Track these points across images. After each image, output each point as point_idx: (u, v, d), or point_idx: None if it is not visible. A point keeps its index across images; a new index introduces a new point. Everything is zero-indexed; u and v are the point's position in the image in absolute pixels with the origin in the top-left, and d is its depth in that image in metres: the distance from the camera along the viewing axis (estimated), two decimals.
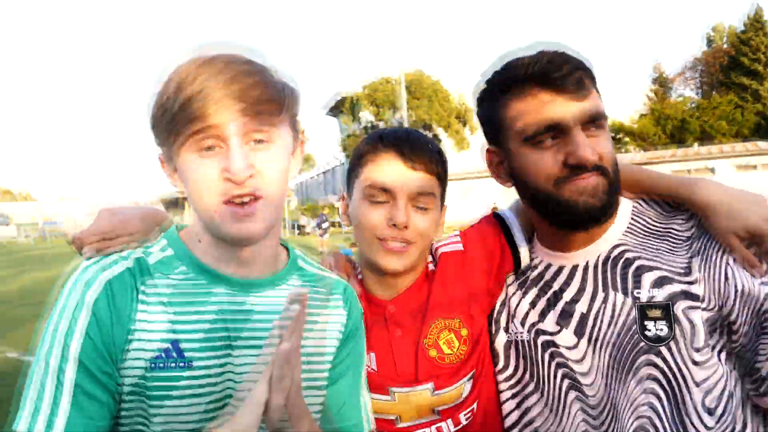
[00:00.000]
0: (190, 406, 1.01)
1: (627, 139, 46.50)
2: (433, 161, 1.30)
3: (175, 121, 0.95)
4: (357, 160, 1.36)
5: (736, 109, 45.44)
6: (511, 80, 1.21)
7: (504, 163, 1.29)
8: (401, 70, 29.01)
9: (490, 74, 1.28)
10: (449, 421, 1.31)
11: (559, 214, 1.22)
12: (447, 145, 35.17)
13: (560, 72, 1.15)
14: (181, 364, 1.00)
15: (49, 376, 0.94)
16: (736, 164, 36.37)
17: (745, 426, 1.18)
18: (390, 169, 1.27)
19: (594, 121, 1.18)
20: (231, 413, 0.92)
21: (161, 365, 0.99)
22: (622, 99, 51.73)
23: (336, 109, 50.69)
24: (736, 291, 1.14)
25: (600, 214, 1.19)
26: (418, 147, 1.29)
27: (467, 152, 34.83)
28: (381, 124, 42.05)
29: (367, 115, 42.70)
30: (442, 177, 1.33)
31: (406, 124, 27.09)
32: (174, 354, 1.00)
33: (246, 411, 0.88)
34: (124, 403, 1.00)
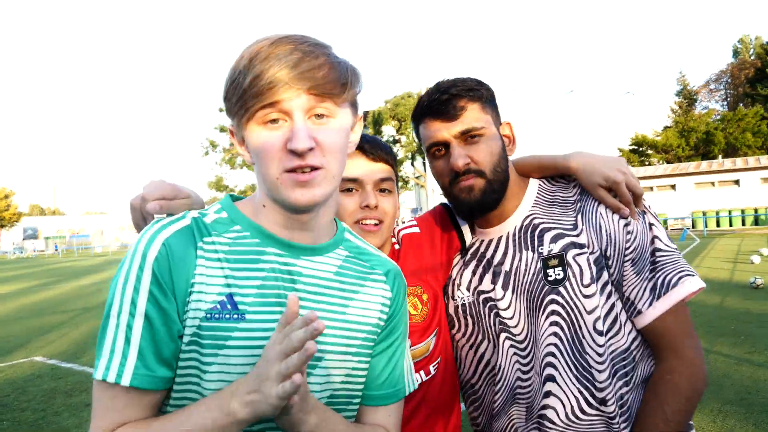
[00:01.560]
0: (242, 357, 1.05)
1: (650, 151, 46.01)
2: (389, 155, 1.60)
3: (245, 95, 1.02)
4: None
5: (762, 121, 44.68)
6: (416, 114, 1.61)
7: (432, 166, 1.65)
8: (422, 85, 29.26)
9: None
10: (421, 372, 1.55)
11: (457, 206, 1.59)
12: None
13: (439, 102, 1.52)
14: (235, 316, 1.06)
15: (120, 331, 1.02)
16: (761, 177, 35.81)
17: (632, 342, 1.50)
18: (357, 164, 1.55)
19: (468, 135, 1.50)
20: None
21: (216, 316, 1.05)
22: (646, 112, 51.24)
23: None
24: (607, 234, 1.48)
25: (481, 206, 1.53)
26: (376, 145, 1.58)
27: None
28: (402, 138, 42.40)
29: (389, 130, 43.06)
30: (395, 168, 1.63)
31: None
32: (228, 306, 1.06)
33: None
34: (182, 353, 1.04)
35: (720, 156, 42.93)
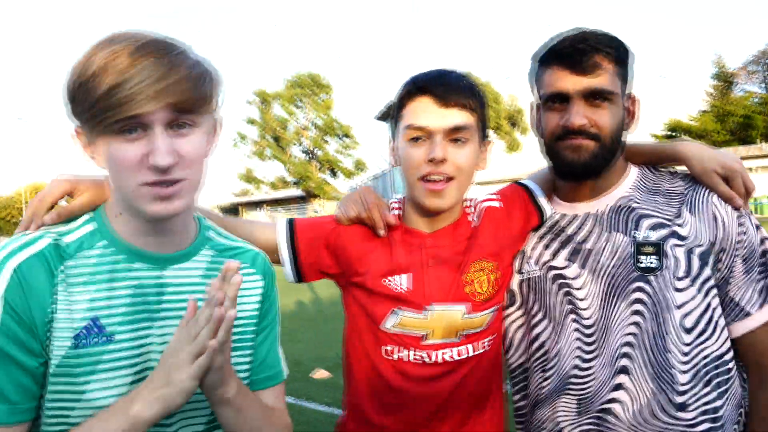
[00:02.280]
0: (118, 378, 1.05)
1: (686, 137, 44.89)
2: (467, 97, 1.41)
3: (99, 104, 0.96)
4: (398, 107, 1.49)
5: None
6: (543, 55, 1.47)
7: (538, 118, 1.56)
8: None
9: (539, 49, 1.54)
10: (470, 346, 1.45)
11: (558, 165, 1.50)
12: (498, 147, 34.76)
13: (573, 51, 1.38)
14: (104, 339, 1.04)
15: None
16: None
17: (730, 351, 1.39)
18: (424, 111, 1.39)
19: (596, 96, 1.39)
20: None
21: (84, 342, 1.02)
22: (681, 96, 49.98)
23: (387, 115, 50.97)
24: (723, 224, 1.39)
25: (585, 169, 1.43)
26: (450, 86, 1.40)
27: (519, 154, 34.38)
28: None
29: None
30: (477, 110, 1.44)
31: None
32: (95, 329, 1.04)
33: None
34: (51, 386, 1.02)
35: (759, 140, 41.61)
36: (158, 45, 1.00)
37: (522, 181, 1.68)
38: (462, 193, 1.48)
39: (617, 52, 1.41)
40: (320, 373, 6.30)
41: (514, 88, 39.77)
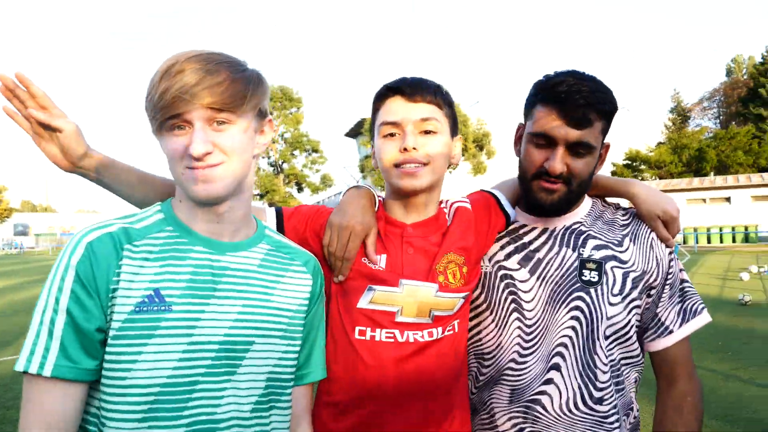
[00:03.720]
0: (171, 344, 1.16)
1: (643, 167, 46.29)
2: (432, 93, 1.53)
3: (154, 107, 1.16)
4: (373, 111, 1.62)
5: (754, 140, 45.11)
6: (542, 91, 1.56)
7: (520, 141, 1.67)
8: None
9: (538, 82, 1.64)
10: (440, 328, 1.53)
11: (528, 200, 1.64)
12: (463, 169, 35.07)
13: (572, 103, 1.48)
14: (163, 308, 1.17)
15: (44, 327, 1.11)
16: (752, 195, 36.12)
17: (624, 356, 1.62)
18: (395, 107, 1.52)
19: (579, 146, 1.51)
20: None
21: (145, 309, 1.15)
22: (641, 128, 51.47)
23: (355, 132, 51.12)
24: (657, 259, 1.63)
25: (553, 209, 1.60)
26: (417, 85, 1.53)
27: (483, 177, 34.71)
28: None
29: None
30: (443, 106, 1.55)
31: None
32: (156, 299, 1.17)
33: None
34: (110, 347, 1.13)
35: (712, 173, 43.25)
36: (204, 56, 1.20)
37: (488, 189, 1.80)
38: (436, 179, 1.56)
39: (609, 107, 1.53)
40: None
41: (482, 112, 40.33)
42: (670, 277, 1.63)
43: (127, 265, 1.17)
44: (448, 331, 1.55)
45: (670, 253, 1.66)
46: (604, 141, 1.60)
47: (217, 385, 1.21)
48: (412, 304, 1.50)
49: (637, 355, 1.64)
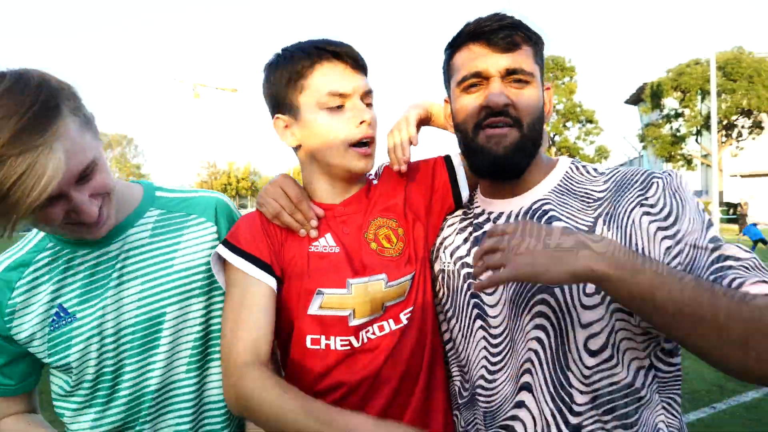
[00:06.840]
0: (88, 346, 1.26)
1: None
2: (365, 65, 1.46)
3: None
4: (294, 77, 1.43)
5: None
6: (457, 37, 1.38)
7: (452, 111, 1.45)
8: (714, 49, 25.11)
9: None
10: (390, 320, 1.40)
11: (477, 161, 1.37)
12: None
13: (491, 28, 1.30)
14: (69, 320, 1.25)
15: None
16: None
17: (640, 381, 1.22)
18: (339, 76, 1.40)
19: (515, 74, 1.30)
20: None
21: (56, 326, 1.25)
22: None
23: (637, 98, 46.88)
24: (637, 248, 1.21)
25: (505, 162, 1.31)
26: (354, 53, 1.43)
27: None
28: (686, 112, 37.59)
29: (670, 102, 38.58)
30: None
31: (714, 112, 23.70)
32: (62, 314, 1.25)
33: None
34: (40, 356, 1.28)
35: None
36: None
37: (450, 157, 1.61)
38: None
39: (535, 37, 1.35)
40: None
41: None
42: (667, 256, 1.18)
43: (19, 295, 1.27)
44: (403, 321, 1.41)
45: (670, 237, 1.18)
46: (543, 80, 1.37)
47: (143, 362, 1.29)
48: (363, 304, 1.39)
49: (651, 367, 1.24)
